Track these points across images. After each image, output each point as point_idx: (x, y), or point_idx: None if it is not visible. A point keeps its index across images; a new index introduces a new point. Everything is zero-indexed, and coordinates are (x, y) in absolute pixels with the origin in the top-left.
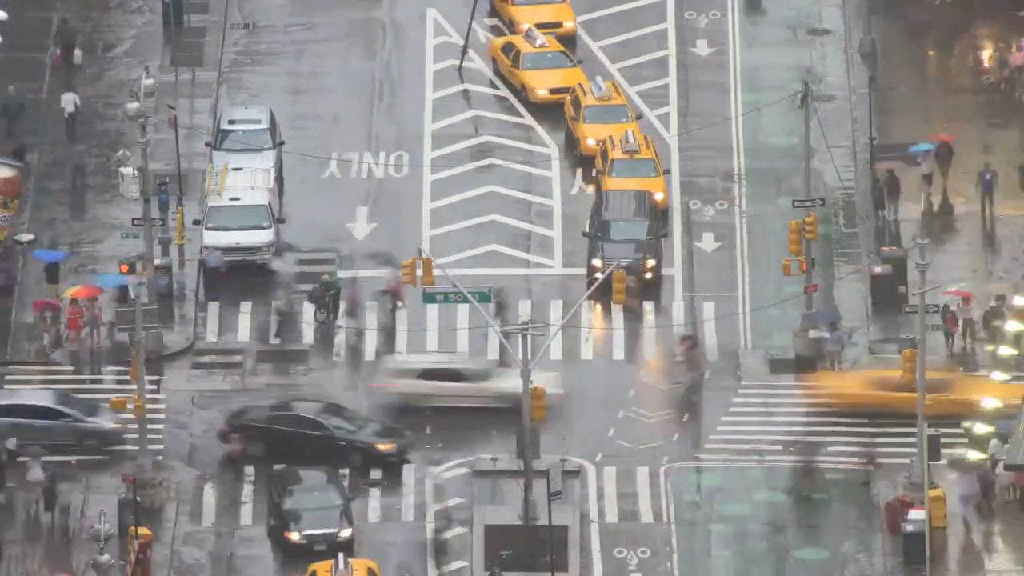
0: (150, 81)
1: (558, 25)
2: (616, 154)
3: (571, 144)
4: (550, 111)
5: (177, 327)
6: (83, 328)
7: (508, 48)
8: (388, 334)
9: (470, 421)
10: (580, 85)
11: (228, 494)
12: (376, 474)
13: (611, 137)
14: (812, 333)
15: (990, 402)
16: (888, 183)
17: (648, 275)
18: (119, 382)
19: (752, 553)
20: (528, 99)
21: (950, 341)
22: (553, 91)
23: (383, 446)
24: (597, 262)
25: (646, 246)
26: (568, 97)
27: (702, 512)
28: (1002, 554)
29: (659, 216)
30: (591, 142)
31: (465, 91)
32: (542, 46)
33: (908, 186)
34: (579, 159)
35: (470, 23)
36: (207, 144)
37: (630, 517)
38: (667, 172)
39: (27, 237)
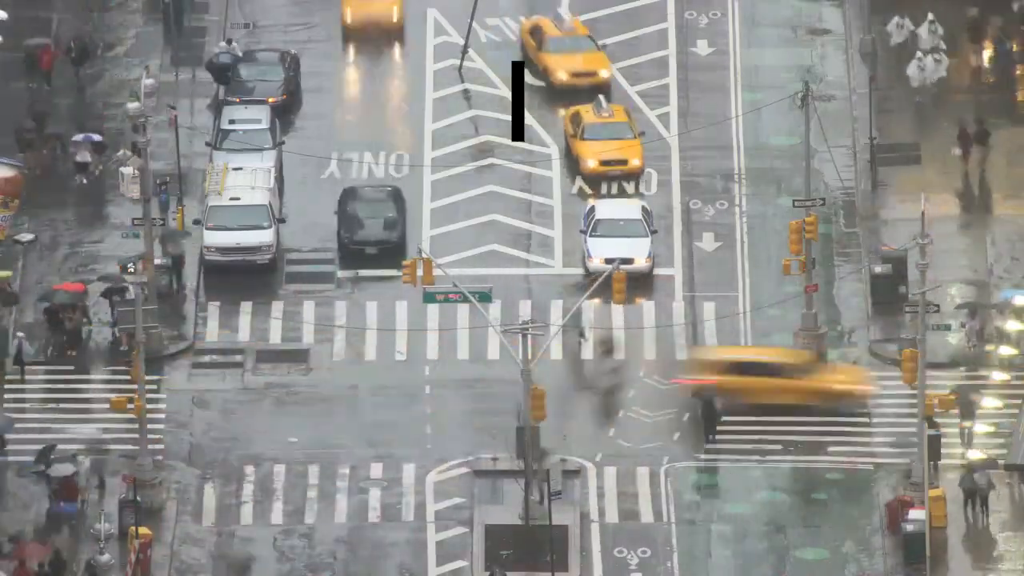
0: (150, 81)
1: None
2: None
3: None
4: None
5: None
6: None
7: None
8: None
9: (468, 420)
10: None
11: (228, 494)
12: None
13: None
14: None
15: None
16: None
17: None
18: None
19: (752, 553)
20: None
21: None
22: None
23: None
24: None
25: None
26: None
27: (702, 512)
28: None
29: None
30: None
31: (465, 91)
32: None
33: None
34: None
35: (470, 23)
36: (207, 144)
37: (630, 517)
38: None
39: (27, 237)
